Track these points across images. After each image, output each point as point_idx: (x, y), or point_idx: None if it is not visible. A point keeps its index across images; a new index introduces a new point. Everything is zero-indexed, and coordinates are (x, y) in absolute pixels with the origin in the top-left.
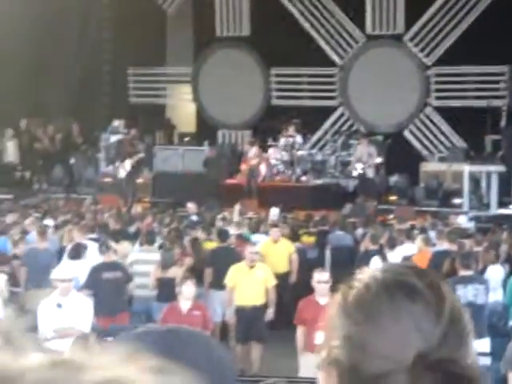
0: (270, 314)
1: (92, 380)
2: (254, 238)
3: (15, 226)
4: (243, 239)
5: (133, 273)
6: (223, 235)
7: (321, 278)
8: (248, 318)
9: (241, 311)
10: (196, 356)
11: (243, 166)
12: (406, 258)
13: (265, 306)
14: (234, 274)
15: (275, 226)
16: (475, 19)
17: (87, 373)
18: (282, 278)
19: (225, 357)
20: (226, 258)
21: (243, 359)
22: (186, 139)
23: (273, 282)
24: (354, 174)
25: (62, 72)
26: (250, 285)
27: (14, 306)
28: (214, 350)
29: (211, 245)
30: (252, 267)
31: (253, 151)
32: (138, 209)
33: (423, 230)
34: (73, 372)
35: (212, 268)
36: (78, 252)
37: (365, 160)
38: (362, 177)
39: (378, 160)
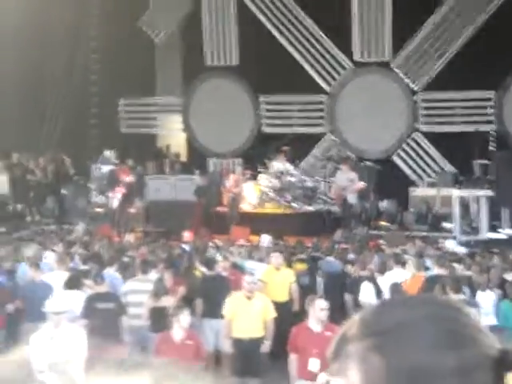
0: (266, 346)
1: None
2: (248, 265)
3: (8, 258)
4: (237, 268)
5: (127, 302)
6: (210, 263)
7: (322, 306)
8: (245, 351)
9: (238, 344)
10: None
11: (225, 195)
12: (397, 284)
13: (263, 339)
14: (232, 305)
15: (277, 251)
16: (462, 45)
17: None
18: (283, 307)
19: None
20: (217, 286)
21: None
22: (177, 166)
23: (272, 314)
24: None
25: (51, 105)
26: (248, 317)
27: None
28: None
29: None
30: (250, 298)
31: (231, 179)
32: (130, 238)
33: (416, 255)
34: None
35: (202, 297)
36: (76, 282)
37: (345, 185)
38: (345, 202)
39: (361, 185)
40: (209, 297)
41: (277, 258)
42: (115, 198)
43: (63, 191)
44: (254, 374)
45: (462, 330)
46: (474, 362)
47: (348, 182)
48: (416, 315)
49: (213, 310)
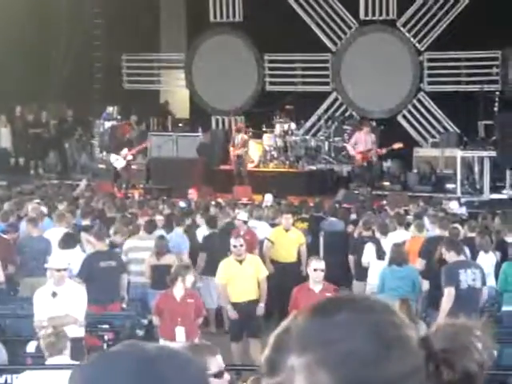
0: (260, 308)
1: None
2: (249, 224)
3: (11, 213)
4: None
5: (128, 260)
6: (212, 222)
7: (318, 266)
8: (243, 313)
9: (236, 307)
10: (170, 375)
11: (231, 153)
12: (399, 244)
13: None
14: (225, 270)
15: (288, 212)
16: (468, 4)
17: None
18: (290, 268)
19: (201, 375)
20: (220, 243)
21: (240, 356)
22: (180, 125)
23: (264, 273)
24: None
25: (54, 58)
26: (242, 280)
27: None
28: (190, 368)
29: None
30: (241, 261)
31: (239, 138)
32: (132, 195)
33: (416, 216)
34: None
35: (205, 254)
36: (70, 241)
37: (370, 147)
38: (370, 164)
39: (400, 144)
40: (212, 254)
41: (287, 219)
42: (120, 156)
43: (66, 146)
44: (254, 335)
45: (395, 332)
46: (413, 364)
47: (372, 144)
48: (349, 325)
49: (215, 267)
